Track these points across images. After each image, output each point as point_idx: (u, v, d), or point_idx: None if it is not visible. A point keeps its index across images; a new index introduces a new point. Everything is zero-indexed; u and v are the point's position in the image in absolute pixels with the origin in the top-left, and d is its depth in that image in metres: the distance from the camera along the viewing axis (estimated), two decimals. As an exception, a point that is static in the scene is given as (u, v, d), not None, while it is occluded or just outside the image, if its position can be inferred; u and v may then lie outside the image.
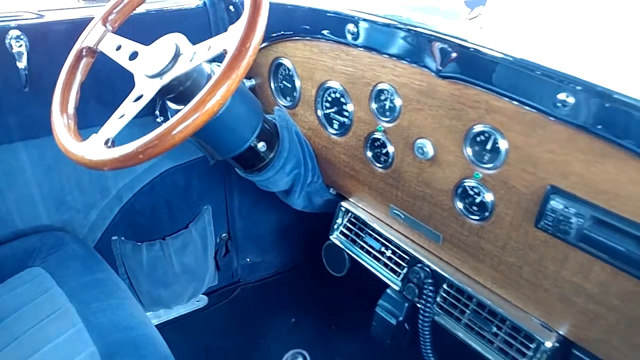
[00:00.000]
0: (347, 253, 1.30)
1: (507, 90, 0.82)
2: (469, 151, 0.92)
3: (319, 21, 1.10)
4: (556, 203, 0.80)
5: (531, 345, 0.95)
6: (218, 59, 0.87)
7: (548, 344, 0.92)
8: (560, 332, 0.93)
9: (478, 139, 0.90)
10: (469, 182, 0.94)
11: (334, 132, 1.20)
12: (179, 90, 0.94)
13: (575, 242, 0.80)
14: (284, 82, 1.28)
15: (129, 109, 0.89)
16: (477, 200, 0.94)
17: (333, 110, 1.18)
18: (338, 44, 1.08)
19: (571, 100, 0.74)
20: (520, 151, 0.84)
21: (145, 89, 0.91)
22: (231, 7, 1.35)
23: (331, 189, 1.35)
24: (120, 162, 0.82)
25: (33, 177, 1.28)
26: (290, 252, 1.83)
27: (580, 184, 0.78)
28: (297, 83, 1.23)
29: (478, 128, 0.88)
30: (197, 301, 1.69)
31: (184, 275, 1.59)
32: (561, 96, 0.74)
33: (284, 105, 1.30)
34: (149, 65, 0.92)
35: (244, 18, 0.82)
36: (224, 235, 1.69)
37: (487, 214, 0.93)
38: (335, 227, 1.32)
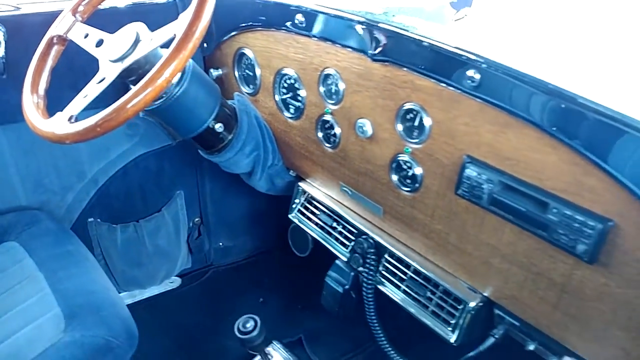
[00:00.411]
0: (309, 233, 1.39)
1: (428, 70, 0.91)
2: (400, 127, 1.01)
3: (272, 12, 1.20)
4: (471, 171, 0.89)
5: (459, 307, 1.03)
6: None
7: (472, 304, 1.01)
8: (485, 294, 1.02)
9: (407, 116, 0.99)
10: (402, 157, 1.03)
11: (290, 115, 1.29)
12: (139, 73, 1.03)
13: (487, 205, 0.89)
14: (247, 71, 1.37)
15: (92, 89, 0.98)
16: (410, 174, 1.03)
17: (289, 95, 1.27)
18: (290, 33, 1.17)
19: (477, 76, 0.83)
20: (441, 125, 0.93)
21: (108, 72, 1.00)
22: (198, 2, 1.44)
23: (291, 171, 1.44)
24: (81, 135, 0.91)
25: (11, 160, 1.36)
26: (261, 237, 1.91)
27: (490, 153, 0.87)
28: (258, 71, 1.32)
29: (407, 106, 0.98)
30: (171, 282, 1.77)
31: (157, 256, 1.68)
32: (470, 73, 0.84)
33: (247, 93, 1.39)
34: (112, 50, 1.01)
35: (193, 6, 0.91)
36: (196, 219, 1.77)
37: (417, 185, 1.02)
38: (294, 206, 1.41)
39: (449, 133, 0.92)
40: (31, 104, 1.02)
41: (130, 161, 1.55)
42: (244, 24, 1.29)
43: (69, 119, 0.95)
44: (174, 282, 1.78)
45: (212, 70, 1.47)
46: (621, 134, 0.69)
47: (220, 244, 1.86)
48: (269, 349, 1.42)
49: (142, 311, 1.67)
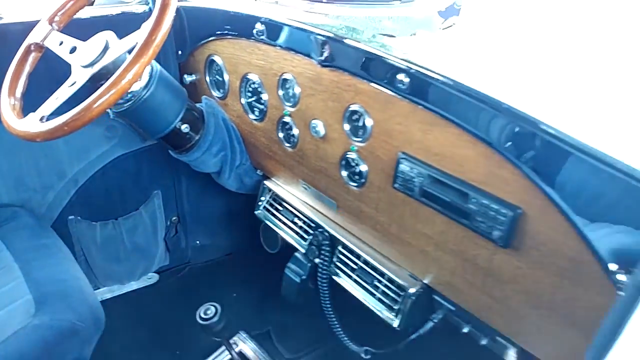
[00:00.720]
0: (275, 229, 1.47)
1: (367, 74, 1.00)
2: (347, 127, 1.10)
3: (237, 22, 1.29)
4: (404, 166, 0.98)
5: (401, 294, 1.12)
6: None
7: (412, 290, 1.09)
8: (424, 281, 1.10)
9: (353, 117, 1.08)
10: (350, 155, 1.12)
11: (255, 118, 1.37)
12: (107, 78, 1.12)
13: (418, 197, 0.98)
14: (217, 76, 1.46)
15: (63, 92, 1.07)
16: (357, 170, 1.12)
17: (254, 99, 1.36)
18: (252, 40, 1.26)
19: (407, 80, 0.92)
20: (380, 125, 1.02)
21: (79, 76, 1.09)
22: (173, 12, 1.53)
23: (258, 170, 1.52)
24: (50, 134, 0.99)
25: None
26: (236, 235, 1.99)
27: (420, 149, 0.95)
28: (226, 77, 1.41)
29: (352, 107, 1.06)
30: (149, 278, 1.85)
31: (135, 253, 1.75)
32: (400, 76, 0.93)
33: (217, 97, 1.48)
34: (84, 57, 1.10)
35: (153, 17, 0.99)
36: (174, 218, 1.85)
37: (363, 180, 1.11)
38: (260, 204, 1.49)
39: (387, 132, 1.01)
40: (7, 105, 1.11)
41: (109, 162, 1.64)
42: (213, 33, 1.38)
43: (40, 119, 1.03)
44: (152, 278, 1.85)
45: (186, 75, 1.56)
46: (522, 129, 0.78)
47: (197, 242, 1.94)
48: (236, 339, 1.50)
49: (121, 305, 1.75)
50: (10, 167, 1.48)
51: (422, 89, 0.91)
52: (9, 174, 1.48)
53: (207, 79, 1.49)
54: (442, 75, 0.88)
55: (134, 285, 1.82)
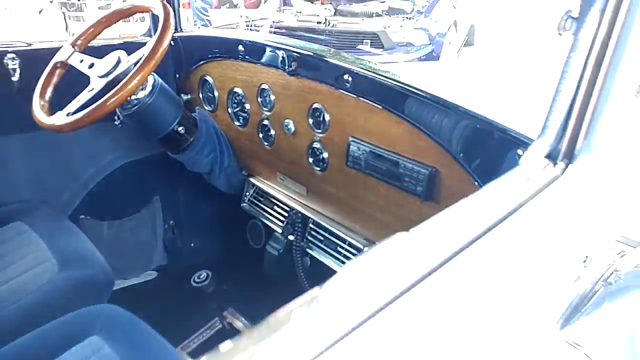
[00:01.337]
0: (259, 217, 1.72)
1: (323, 78, 1.29)
2: (311, 122, 1.37)
3: (223, 45, 1.59)
4: (353, 147, 1.26)
5: (357, 254, 1.37)
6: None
7: (365, 249, 1.34)
8: (377, 243, 1.35)
9: (315, 114, 1.36)
10: (315, 145, 1.39)
11: (240, 124, 1.65)
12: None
13: (365, 170, 1.25)
14: (208, 93, 1.75)
15: (84, 96, 1.36)
16: (320, 157, 1.39)
17: (238, 109, 1.64)
18: (235, 59, 1.56)
19: (350, 78, 1.20)
20: (335, 117, 1.30)
21: (96, 84, 1.37)
22: (172, 42, 1.83)
23: (244, 170, 1.79)
24: (73, 124, 1.27)
25: (20, 162, 1.71)
26: (227, 237, 2.22)
27: (364, 132, 1.23)
28: (216, 93, 1.70)
29: (314, 106, 1.35)
30: (148, 274, 2.08)
31: (136, 251, 2.00)
32: (346, 77, 1.21)
33: (208, 110, 1.76)
34: (100, 69, 1.39)
35: (156, 36, 1.28)
36: (171, 222, 2.10)
37: (325, 165, 1.38)
38: (245, 198, 1.76)
39: (340, 122, 1.29)
40: (38, 106, 1.39)
41: (116, 168, 1.90)
42: (205, 56, 1.68)
43: (67, 114, 1.31)
44: (151, 275, 2.08)
45: (183, 95, 1.83)
46: (429, 107, 1.06)
47: (192, 244, 2.18)
48: (227, 314, 1.73)
49: (123, 297, 1.97)
50: (34, 170, 1.74)
51: (362, 85, 1.19)
52: (32, 176, 1.74)
53: (200, 96, 1.78)
54: (375, 73, 1.16)
55: (134, 281, 2.05)
